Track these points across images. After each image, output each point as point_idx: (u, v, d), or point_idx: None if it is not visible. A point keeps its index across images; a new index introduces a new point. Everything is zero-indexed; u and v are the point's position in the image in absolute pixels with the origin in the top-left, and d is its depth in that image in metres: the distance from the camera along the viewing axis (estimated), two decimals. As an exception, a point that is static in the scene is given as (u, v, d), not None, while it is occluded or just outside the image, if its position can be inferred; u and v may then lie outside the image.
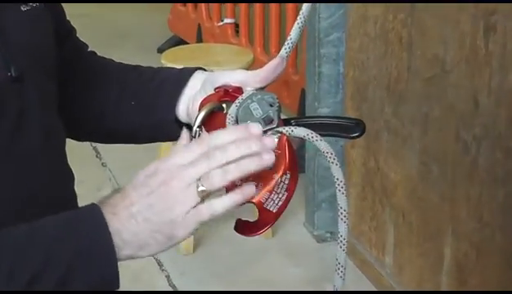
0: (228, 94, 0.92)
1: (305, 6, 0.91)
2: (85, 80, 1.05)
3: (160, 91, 1.00)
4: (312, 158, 2.75)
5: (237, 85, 0.92)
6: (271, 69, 0.91)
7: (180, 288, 2.59)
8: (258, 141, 0.82)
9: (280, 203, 0.85)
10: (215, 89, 0.93)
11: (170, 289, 2.58)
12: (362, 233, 2.62)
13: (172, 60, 2.77)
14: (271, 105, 0.91)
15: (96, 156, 3.29)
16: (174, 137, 0.94)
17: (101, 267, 0.79)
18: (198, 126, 0.89)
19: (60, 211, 0.82)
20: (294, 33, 0.91)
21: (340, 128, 0.91)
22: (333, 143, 3.17)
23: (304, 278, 2.61)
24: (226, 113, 0.91)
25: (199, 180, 0.79)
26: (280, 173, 0.85)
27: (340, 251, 0.86)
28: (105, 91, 1.04)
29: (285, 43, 0.92)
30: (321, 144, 0.86)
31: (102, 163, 3.29)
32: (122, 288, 0.81)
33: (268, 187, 0.85)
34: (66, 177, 0.98)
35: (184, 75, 1.00)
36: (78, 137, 1.08)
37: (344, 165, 2.71)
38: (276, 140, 0.87)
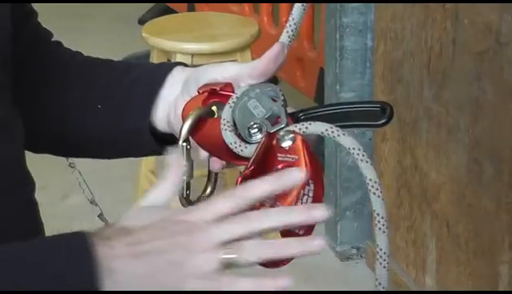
0: (217, 94, 0.92)
1: None
2: (42, 74, 1.05)
3: (132, 93, 1.00)
4: (333, 155, 2.75)
5: (227, 81, 0.92)
6: (270, 59, 0.91)
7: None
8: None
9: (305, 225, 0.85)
10: (199, 89, 0.93)
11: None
12: (397, 249, 2.61)
13: (155, 32, 2.77)
14: (273, 100, 0.91)
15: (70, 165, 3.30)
16: (150, 151, 0.97)
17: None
18: (184, 141, 0.89)
19: (15, 225, 0.84)
20: (296, 12, 0.91)
21: (362, 116, 0.91)
22: (359, 136, 3.17)
23: (324, 305, 2.61)
24: (219, 117, 0.91)
25: (228, 243, 0.79)
26: (300, 185, 0.85)
27: (380, 269, 0.88)
28: (66, 89, 1.04)
29: (287, 25, 0.92)
30: (345, 139, 0.86)
31: (70, 164, 3.29)
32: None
33: (288, 203, 0.85)
34: (23, 183, 0.98)
35: (159, 73, 0.99)
36: (34, 147, 1.06)
37: (374, 163, 2.70)
38: (290, 142, 0.87)
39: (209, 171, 0.95)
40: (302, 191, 0.86)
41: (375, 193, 0.87)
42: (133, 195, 2.92)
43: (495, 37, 2.06)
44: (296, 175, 0.83)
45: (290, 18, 0.91)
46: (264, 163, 0.88)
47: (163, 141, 1.00)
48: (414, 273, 2.55)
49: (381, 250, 0.88)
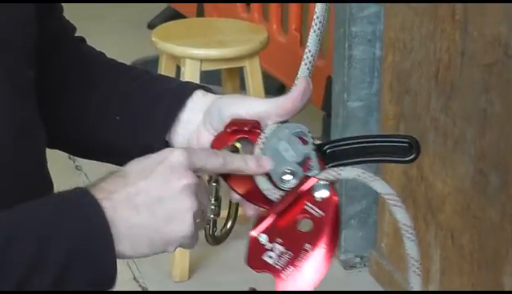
0: (244, 132, 0.92)
1: (319, 7, 0.90)
2: (63, 73, 1.05)
3: (152, 110, 1.00)
4: (340, 162, 2.75)
5: (254, 119, 0.93)
6: (297, 96, 0.91)
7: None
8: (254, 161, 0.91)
9: (302, 286, 0.88)
10: (226, 126, 0.93)
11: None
12: (401, 259, 2.61)
13: (165, 37, 2.78)
14: (302, 140, 0.91)
15: (69, 157, 3.30)
16: None
17: (98, 264, 0.82)
18: (214, 181, 0.91)
19: None
20: (311, 44, 0.91)
21: (390, 150, 0.92)
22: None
23: (327, 313, 2.61)
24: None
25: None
26: (312, 244, 0.87)
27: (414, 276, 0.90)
28: (87, 92, 1.04)
29: (304, 57, 0.92)
30: (378, 184, 0.89)
31: (76, 166, 3.30)
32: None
33: (296, 259, 0.87)
34: (43, 188, 0.98)
35: (181, 94, 1.00)
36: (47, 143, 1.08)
37: (379, 173, 2.70)
38: (324, 194, 0.88)
39: (230, 205, 0.96)
40: (312, 252, 0.87)
41: (409, 238, 0.90)
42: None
43: (503, 50, 2.06)
44: (266, 164, 0.90)
45: (307, 49, 0.92)
46: (289, 208, 0.89)
47: None
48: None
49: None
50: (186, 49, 2.71)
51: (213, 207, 0.91)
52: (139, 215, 0.84)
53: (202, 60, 2.70)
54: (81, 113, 1.04)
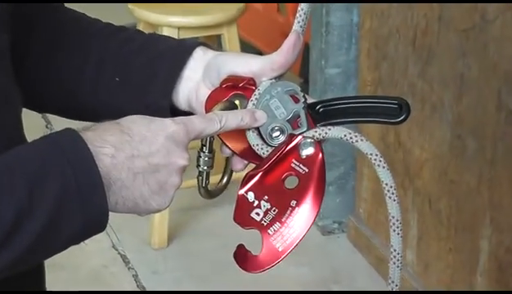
0: (239, 88, 0.94)
1: None
2: (51, 35, 1.03)
3: (153, 70, 1.00)
4: (318, 129, 2.75)
5: (249, 76, 0.94)
6: (288, 50, 0.92)
7: (151, 290, 2.59)
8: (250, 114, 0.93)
9: (289, 241, 0.89)
10: (222, 83, 0.94)
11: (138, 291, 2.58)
12: (378, 224, 2.62)
13: (141, 5, 2.75)
14: (294, 98, 0.92)
15: (47, 126, 3.28)
16: None
17: (89, 209, 0.83)
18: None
19: None
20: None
21: (379, 111, 0.92)
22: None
23: (306, 278, 2.62)
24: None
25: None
26: (298, 200, 0.89)
27: (394, 268, 0.92)
28: (82, 56, 1.02)
29: (297, 15, 0.92)
30: (364, 144, 0.89)
31: (46, 125, 3.27)
32: (78, 289, 0.82)
33: (281, 215, 0.89)
34: None
35: (182, 52, 1.00)
36: (42, 107, 1.07)
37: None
38: (310, 151, 0.89)
39: (226, 162, 0.97)
40: (297, 208, 0.89)
41: (390, 198, 0.90)
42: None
43: (480, 15, 2.06)
44: (261, 116, 0.92)
45: (299, 7, 0.92)
46: (276, 166, 0.90)
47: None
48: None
49: (395, 250, 0.92)
50: (164, 17, 2.69)
51: (206, 158, 0.92)
52: (135, 180, 0.85)
53: (179, 28, 2.68)
54: (76, 76, 1.03)
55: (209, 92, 0.95)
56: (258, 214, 0.90)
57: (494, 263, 2.14)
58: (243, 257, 0.92)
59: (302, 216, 0.89)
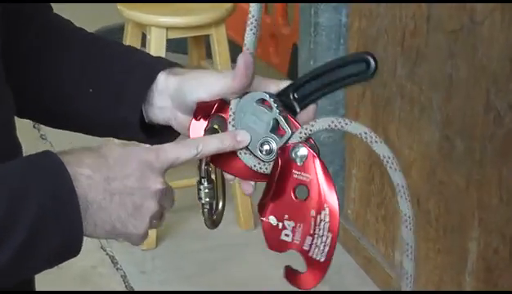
0: (213, 115, 0.93)
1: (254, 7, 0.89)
2: (33, 41, 1.03)
3: (125, 84, 1.00)
4: (306, 130, 2.74)
5: (216, 99, 0.93)
6: (242, 74, 0.91)
7: (140, 290, 2.58)
8: (231, 137, 0.93)
9: (327, 249, 0.89)
10: (194, 114, 0.94)
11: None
12: (367, 225, 2.62)
13: (130, 5, 2.74)
14: (269, 107, 0.91)
15: (34, 126, 3.27)
16: (137, 139, 0.99)
17: (66, 228, 0.83)
18: (206, 164, 0.93)
19: None
20: (254, 9, 0.90)
21: (350, 74, 0.91)
22: (332, 112, 3.13)
23: (295, 279, 2.61)
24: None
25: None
26: (316, 209, 0.88)
27: (408, 261, 0.92)
28: (62, 64, 1.02)
29: (249, 22, 0.90)
30: (352, 126, 0.87)
31: (41, 136, 3.27)
32: (66, 289, 0.83)
33: (307, 228, 0.88)
34: (11, 151, 0.97)
35: (152, 71, 1.00)
36: (17, 112, 1.05)
37: (345, 140, 2.70)
38: (303, 155, 0.88)
39: (216, 187, 0.97)
40: (318, 216, 0.88)
41: (391, 167, 0.89)
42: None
43: (469, 16, 2.06)
44: (244, 138, 0.91)
45: (250, 13, 0.90)
46: (281, 184, 0.90)
47: (151, 130, 1.02)
48: (383, 249, 2.55)
49: (408, 244, 0.91)
50: (152, 17, 2.68)
51: (207, 190, 0.93)
52: (112, 201, 0.85)
53: (168, 28, 2.67)
54: (54, 83, 1.02)
55: (190, 123, 0.95)
56: (287, 235, 0.90)
57: (482, 264, 2.14)
58: (293, 276, 0.91)
59: (326, 221, 0.88)
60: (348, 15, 2.60)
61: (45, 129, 3.18)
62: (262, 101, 0.91)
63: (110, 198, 0.85)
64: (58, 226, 0.83)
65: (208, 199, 0.93)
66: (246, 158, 0.92)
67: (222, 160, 0.93)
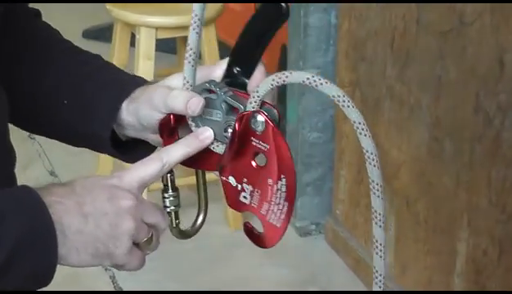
0: (176, 123, 0.94)
1: (197, 7, 0.90)
2: (16, 47, 1.03)
3: (97, 100, 1.01)
4: (295, 131, 2.74)
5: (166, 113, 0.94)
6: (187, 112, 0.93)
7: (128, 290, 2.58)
8: (196, 140, 0.94)
9: (283, 216, 0.90)
10: (160, 134, 0.94)
11: None
12: (356, 226, 2.62)
13: (120, 5, 2.73)
14: (212, 92, 0.91)
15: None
16: (112, 155, 1.01)
17: (40, 258, 0.83)
18: (169, 172, 0.93)
19: None
20: (192, 41, 0.90)
21: (267, 22, 0.90)
22: (320, 113, 3.13)
23: (283, 279, 2.61)
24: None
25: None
26: (273, 178, 0.89)
27: (377, 259, 0.91)
28: (40, 73, 1.03)
29: (187, 55, 0.91)
30: (327, 87, 0.86)
31: (29, 135, 3.25)
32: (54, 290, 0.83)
33: (265, 195, 0.90)
34: (6, 158, 0.97)
35: (122, 92, 1.00)
36: None
37: (335, 141, 2.70)
38: (261, 124, 0.88)
39: (200, 200, 0.98)
40: (275, 186, 0.89)
41: (361, 133, 0.88)
42: (94, 167, 2.88)
43: (459, 18, 2.06)
44: (207, 134, 0.91)
45: (188, 46, 0.91)
46: (240, 150, 0.91)
47: (123, 145, 1.02)
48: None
49: (379, 213, 0.90)
50: (141, 17, 2.67)
51: (172, 198, 0.93)
52: (87, 223, 0.85)
53: (157, 28, 2.66)
54: (32, 91, 1.03)
55: (162, 145, 0.96)
56: (245, 197, 0.92)
57: (471, 265, 2.14)
58: (252, 233, 0.93)
59: (283, 191, 0.89)
60: (337, 16, 2.60)
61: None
62: (209, 91, 0.92)
63: (85, 221, 0.85)
64: (34, 254, 0.83)
65: (173, 207, 0.93)
66: (221, 149, 0.92)
67: (200, 161, 0.93)
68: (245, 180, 0.91)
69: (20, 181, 0.96)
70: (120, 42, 2.80)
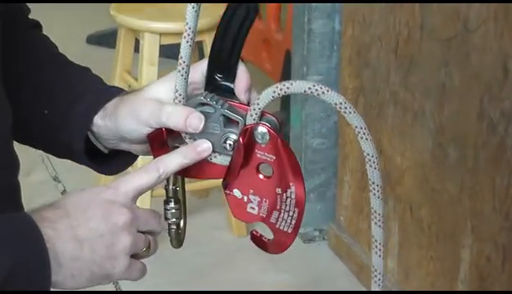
0: (167, 140, 0.92)
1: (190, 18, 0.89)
2: (8, 56, 1.02)
3: (70, 111, 0.99)
4: (298, 136, 2.74)
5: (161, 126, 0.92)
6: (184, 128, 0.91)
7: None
8: (193, 150, 0.92)
9: (293, 222, 0.90)
10: (152, 147, 0.93)
11: (119, 298, 2.57)
12: (360, 232, 2.61)
13: (124, 10, 2.73)
14: (209, 108, 0.90)
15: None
16: (86, 165, 0.99)
17: (34, 287, 0.82)
18: (173, 184, 0.93)
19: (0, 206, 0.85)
20: (184, 53, 0.89)
21: (240, 23, 0.90)
22: (324, 119, 3.13)
23: (287, 285, 2.61)
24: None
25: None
26: (282, 187, 0.89)
27: (376, 258, 0.94)
28: (22, 79, 1.02)
29: (180, 69, 0.89)
30: (330, 95, 0.86)
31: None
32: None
33: (274, 204, 0.90)
34: (9, 166, 0.97)
35: (97, 103, 0.99)
36: None
37: (338, 147, 2.70)
38: (265, 137, 0.88)
39: (181, 206, 0.97)
40: (284, 194, 0.89)
41: (362, 138, 0.89)
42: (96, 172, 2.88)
43: (463, 24, 2.06)
44: (205, 147, 0.90)
45: (181, 59, 0.89)
46: (245, 163, 0.90)
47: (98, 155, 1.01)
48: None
49: (375, 211, 0.92)
50: (146, 22, 2.67)
51: (173, 210, 0.93)
52: (82, 249, 0.84)
53: (161, 34, 2.66)
54: (17, 102, 1.02)
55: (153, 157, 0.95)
56: (253, 208, 0.92)
57: (475, 271, 2.13)
58: (259, 241, 0.93)
59: (293, 198, 0.90)
60: (341, 22, 2.60)
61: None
62: (202, 104, 0.91)
63: (80, 246, 0.84)
64: (26, 285, 0.82)
65: (174, 219, 0.93)
66: (219, 160, 0.92)
67: (195, 171, 0.92)
68: (252, 191, 0.91)
69: (24, 186, 0.96)
70: (124, 47, 2.80)
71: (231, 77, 0.91)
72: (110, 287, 2.60)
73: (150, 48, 2.65)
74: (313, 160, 2.76)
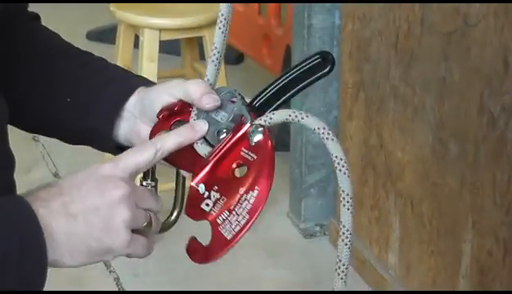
0: (176, 114, 0.94)
1: (224, 7, 0.91)
2: (11, 50, 1.03)
3: (102, 96, 1.01)
4: (299, 132, 2.74)
5: (180, 100, 0.94)
6: (201, 101, 0.93)
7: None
8: (191, 130, 0.93)
9: (237, 229, 0.88)
10: (158, 115, 0.94)
11: (120, 295, 2.57)
12: (361, 227, 2.61)
13: (123, 6, 2.73)
14: (232, 101, 0.92)
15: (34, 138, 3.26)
16: (108, 151, 1.01)
17: (29, 269, 0.82)
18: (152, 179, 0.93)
19: None
20: (218, 41, 0.92)
21: (308, 74, 0.92)
22: (324, 113, 3.13)
23: (288, 281, 2.61)
24: None
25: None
26: (246, 187, 0.87)
27: (342, 246, 0.89)
28: (37, 73, 1.03)
29: (211, 54, 0.92)
30: (309, 120, 0.88)
31: (34, 137, 3.25)
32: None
33: (229, 203, 0.88)
34: (6, 165, 0.97)
35: (126, 89, 1.01)
36: None
37: (340, 141, 2.69)
38: (259, 137, 0.88)
39: (176, 195, 0.97)
40: (245, 195, 0.87)
41: (340, 171, 0.88)
42: (98, 169, 2.88)
43: (463, 19, 2.06)
44: (202, 126, 0.91)
45: (213, 47, 0.92)
46: (225, 156, 0.90)
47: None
48: (377, 251, 2.55)
49: (344, 227, 0.89)
50: (145, 18, 2.67)
51: (149, 187, 0.93)
52: (76, 223, 0.84)
53: (161, 30, 2.66)
54: (32, 92, 1.03)
55: (152, 129, 0.96)
56: (207, 205, 0.90)
57: (476, 266, 2.14)
58: (194, 249, 0.92)
59: (250, 203, 0.87)
60: (341, 17, 2.60)
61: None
62: (227, 96, 0.92)
63: (74, 221, 0.84)
64: (22, 265, 0.82)
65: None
66: (200, 147, 0.92)
67: (182, 159, 0.93)
68: (216, 187, 0.89)
69: (24, 183, 0.96)
70: (124, 43, 2.81)
71: (260, 111, 0.92)
72: (112, 287, 2.60)
73: (149, 44, 2.65)
74: (314, 155, 2.76)
